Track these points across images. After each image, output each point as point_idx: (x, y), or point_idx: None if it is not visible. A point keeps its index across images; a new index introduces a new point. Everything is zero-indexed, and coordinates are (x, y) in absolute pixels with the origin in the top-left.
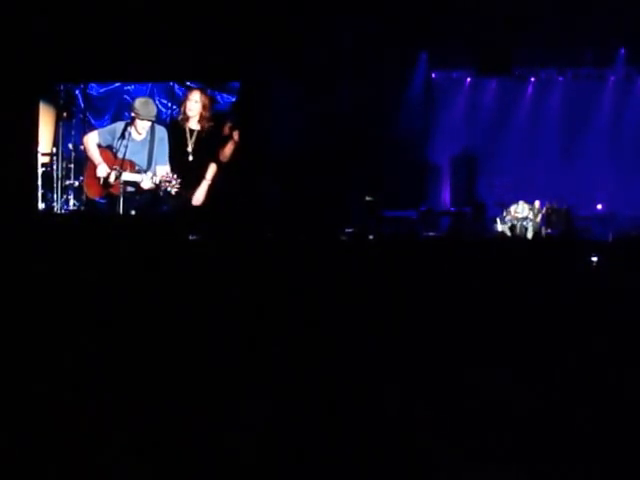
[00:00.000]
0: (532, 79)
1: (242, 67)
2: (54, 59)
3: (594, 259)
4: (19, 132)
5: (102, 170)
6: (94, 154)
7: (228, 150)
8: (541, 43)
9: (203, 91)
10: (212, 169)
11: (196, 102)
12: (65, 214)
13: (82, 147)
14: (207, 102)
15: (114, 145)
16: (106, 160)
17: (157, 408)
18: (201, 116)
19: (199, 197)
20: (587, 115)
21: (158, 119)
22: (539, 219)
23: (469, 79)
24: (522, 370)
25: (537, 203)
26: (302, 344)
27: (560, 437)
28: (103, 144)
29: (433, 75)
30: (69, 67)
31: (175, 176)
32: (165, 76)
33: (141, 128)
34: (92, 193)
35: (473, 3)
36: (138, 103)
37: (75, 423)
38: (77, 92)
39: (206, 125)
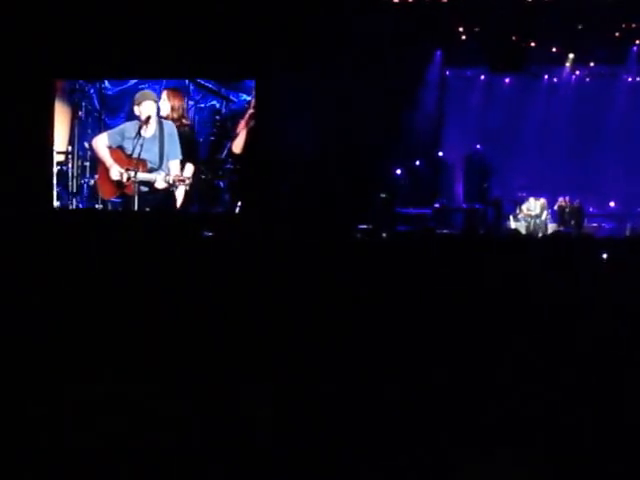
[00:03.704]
0: (545, 77)
1: (257, 66)
2: (69, 58)
3: (604, 256)
4: (35, 131)
5: (115, 171)
6: (105, 156)
7: (239, 144)
8: (554, 41)
9: (175, 92)
10: (189, 169)
11: (164, 101)
12: (80, 211)
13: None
14: (177, 103)
15: (124, 145)
16: (117, 161)
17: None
18: (169, 117)
19: (178, 198)
20: (600, 113)
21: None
22: (551, 216)
23: (483, 77)
24: (537, 366)
25: (543, 200)
26: (317, 339)
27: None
28: (113, 145)
29: (447, 73)
30: (84, 65)
31: (188, 175)
32: (179, 74)
33: (149, 126)
34: (106, 194)
35: (487, 2)
36: (139, 95)
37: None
38: (92, 91)
39: (178, 126)
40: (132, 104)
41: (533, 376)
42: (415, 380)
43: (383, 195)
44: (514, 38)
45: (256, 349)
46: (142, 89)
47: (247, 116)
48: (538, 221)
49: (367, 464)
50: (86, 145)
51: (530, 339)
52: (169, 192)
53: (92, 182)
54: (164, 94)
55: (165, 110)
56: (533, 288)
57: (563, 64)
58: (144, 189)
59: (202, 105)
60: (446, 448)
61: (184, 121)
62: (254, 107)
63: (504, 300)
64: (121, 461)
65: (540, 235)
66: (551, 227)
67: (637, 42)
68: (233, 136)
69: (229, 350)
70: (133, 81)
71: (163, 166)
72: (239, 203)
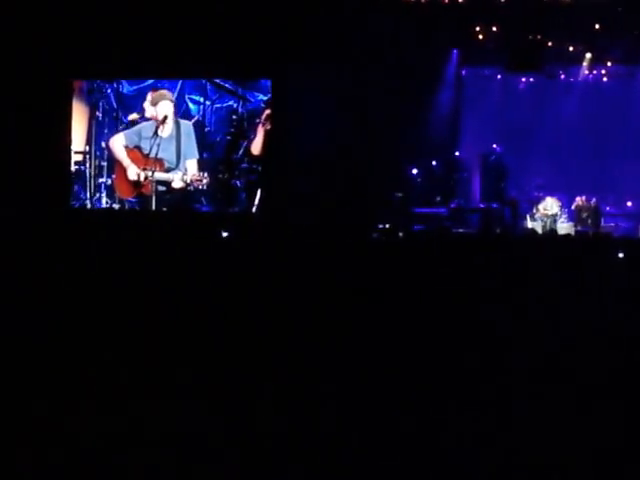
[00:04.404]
0: (562, 76)
1: (273, 65)
2: (87, 58)
3: (621, 255)
4: (53, 131)
5: (132, 171)
6: (122, 156)
7: (258, 145)
8: (572, 40)
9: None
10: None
11: (148, 103)
12: (97, 211)
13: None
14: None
15: (141, 145)
16: (135, 160)
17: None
18: (153, 117)
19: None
20: (617, 112)
21: (187, 115)
22: (569, 216)
23: (500, 76)
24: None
25: (556, 200)
26: (334, 337)
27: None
28: (130, 145)
29: (464, 72)
30: (102, 65)
31: (205, 174)
32: (196, 74)
33: (166, 126)
34: (123, 193)
35: (504, 1)
36: (155, 94)
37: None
38: (109, 91)
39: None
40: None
41: (548, 376)
42: (431, 377)
43: (399, 195)
44: (531, 37)
45: (275, 348)
46: (159, 88)
47: (264, 117)
48: (554, 220)
49: (367, 464)
50: (103, 145)
51: (544, 338)
52: (186, 192)
53: (109, 182)
54: (149, 95)
55: (150, 111)
56: (548, 287)
57: (580, 64)
58: (161, 189)
59: (219, 105)
60: (446, 448)
61: (167, 121)
62: (270, 107)
63: (519, 299)
64: (122, 461)
65: (556, 234)
66: (568, 227)
67: None
68: (251, 137)
69: (248, 349)
70: (150, 81)
71: (180, 166)
72: (256, 203)
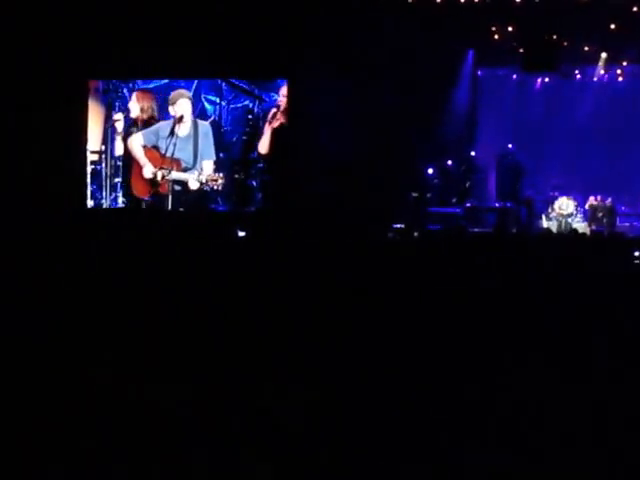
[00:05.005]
0: (578, 76)
1: (289, 65)
2: (103, 58)
3: (637, 254)
4: (69, 131)
5: (148, 170)
6: (139, 155)
7: (265, 144)
8: (587, 40)
9: (144, 93)
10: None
11: (134, 103)
12: (113, 211)
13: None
14: (146, 104)
15: (158, 144)
16: (152, 160)
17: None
18: (139, 118)
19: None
20: (632, 112)
21: (203, 115)
22: (583, 215)
23: (515, 76)
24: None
25: (571, 200)
26: (352, 336)
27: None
28: (148, 144)
29: (479, 72)
30: (117, 65)
31: (221, 175)
32: (212, 74)
33: (184, 125)
34: (139, 192)
35: (519, 1)
36: (174, 93)
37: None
38: (125, 90)
39: (146, 126)
40: (165, 103)
41: (565, 376)
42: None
43: (415, 194)
44: (546, 37)
45: (292, 348)
46: (174, 87)
47: (270, 115)
48: (570, 220)
49: (367, 464)
50: (118, 144)
51: (561, 337)
52: (202, 191)
53: (126, 181)
54: (134, 95)
55: (134, 111)
56: (564, 286)
57: (595, 63)
58: (177, 188)
59: (235, 105)
60: (447, 448)
61: (154, 122)
62: (285, 106)
63: (536, 298)
64: (121, 461)
65: (572, 234)
66: (583, 226)
67: None
68: (259, 136)
69: (265, 348)
70: (165, 80)
71: (197, 166)
72: (271, 202)
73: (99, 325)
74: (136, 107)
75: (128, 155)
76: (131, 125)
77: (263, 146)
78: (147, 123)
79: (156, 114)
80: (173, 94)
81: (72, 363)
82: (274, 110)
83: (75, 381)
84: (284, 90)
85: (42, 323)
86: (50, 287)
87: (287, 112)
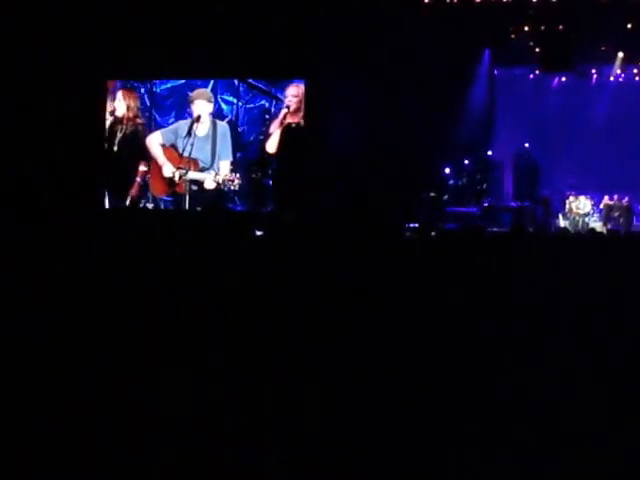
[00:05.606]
0: (594, 75)
1: (307, 65)
2: (121, 58)
3: None
4: (87, 131)
5: (167, 170)
6: (158, 154)
7: (273, 143)
8: (604, 40)
9: (129, 91)
10: (142, 168)
11: (119, 101)
12: (131, 210)
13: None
14: (131, 103)
15: (177, 144)
16: (170, 159)
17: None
18: (124, 116)
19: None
20: None
21: (219, 115)
22: (598, 214)
23: (532, 75)
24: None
25: (588, 199)
26: (367, 337)
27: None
28: (167, 143)
29: (496, 72)
30: (136, 66)
31: (238, 175)
32: (230, 74)
33: (202, 125)
34: (158, 192)
35: (536, 0)
36: (194, 92)
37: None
38: (143, 91)
39: (130, 125)
40: (184, 102)
41: (580, 378)
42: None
43: (432, 194)
44: (563, 37)
45: (313, 345)
46: (192, 87)
47: (281, 115)
48: (586, 219)
49: (367, 464)
50: None
51: (579, 337)
52: (219, 191)
53: (144, 181)
54: (119, 94)
55: (120, 110)
56: (581, 285)
57: (612, 63)
58: (195, 188)
59: (251, 105)
60: (447, 448)
61: (138, 120)
62: (295, 106)
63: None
64: (122, 461)
65: (589, 233)
66: (599, 226)
67: None
68: (266, 135)
69: (281, 348)
70: (183, 80)
71: (214, 166)
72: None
73: (112, 325)
74: (122, 105)
75: (127, 154)
76: (116, 123)
77: (271, 145)
78: (131, 121)
79: (140, 113)
80: (194, 93)
81: (73, 363)
82: (285, 111)
83: (75, 381)
84: (291, 90)
85: (65, 325)
86: (65, 288)
87: (303, 112)
